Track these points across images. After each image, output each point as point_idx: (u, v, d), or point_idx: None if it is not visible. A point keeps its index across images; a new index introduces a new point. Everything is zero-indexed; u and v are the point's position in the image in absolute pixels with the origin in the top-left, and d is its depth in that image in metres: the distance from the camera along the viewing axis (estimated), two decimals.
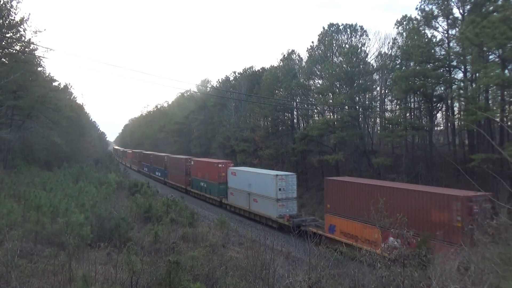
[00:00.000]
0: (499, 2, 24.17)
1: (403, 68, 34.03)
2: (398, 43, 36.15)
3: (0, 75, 28.36)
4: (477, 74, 27.13)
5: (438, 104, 34.71)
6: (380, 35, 64.76)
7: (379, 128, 45.26)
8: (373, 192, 18.55)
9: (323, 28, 44.01)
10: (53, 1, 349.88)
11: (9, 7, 30.58)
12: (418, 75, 30.05)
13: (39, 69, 39.38)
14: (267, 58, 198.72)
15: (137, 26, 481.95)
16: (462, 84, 29.57)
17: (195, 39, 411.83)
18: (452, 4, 30.08)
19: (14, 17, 31.00)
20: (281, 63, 48.93)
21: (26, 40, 31.87)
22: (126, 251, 9.84)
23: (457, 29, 30.06)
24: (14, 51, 32.37)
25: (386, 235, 9.55)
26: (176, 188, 49.46)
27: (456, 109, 34.93)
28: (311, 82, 46.62)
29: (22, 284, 8.85)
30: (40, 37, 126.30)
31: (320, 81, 44.57)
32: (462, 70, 30.18)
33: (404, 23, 34.49)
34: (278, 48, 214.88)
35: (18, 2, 31.19)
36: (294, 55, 48.82)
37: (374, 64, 41.43)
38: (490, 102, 27.07)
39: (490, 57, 25.75)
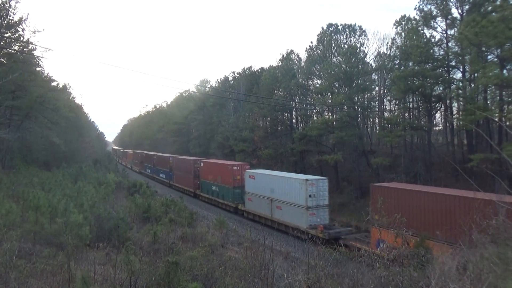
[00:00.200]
0: (498, 2, 24.23)
1: (402, 68, 34.06)
2: (397, 43, 36.17)
3: None
4: (476, 74, 27.18)
5: (437, 104, 34.77)
6: (379, 35, 64.95)
7: (378, 128, 45.32)
8: (448, 203, 15.68)
9: (322, 28, 44.09)
10: (52, 1, 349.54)
11: (7, 7, 30.54)
12: (416, 75, 30.09)
13: (38, 69, 39.38)
14: (266, 58, 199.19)
15: (136, 26, 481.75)
16: (460, 84, 29.61)
17: (194, 39, 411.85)
18: (451, 4, 30.16)
19: (13, 17, 30.99)
20: (280, 63, 48.94)
21: (24, 40, 31.85)
22: (124, 251, 9.83)
23: (455, 29, 30.12)
24: (13, 51, 32.33)
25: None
26: (183, 191, 46.35)
27: (454, 109, 35.00)
28: (310, 82, 46.68)
29: (20, 285, 8.84)
30: (38, 37, 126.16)
31: (319, 81, 44.64)
32: (461, 70, 30.23)
33: (403, 23, 34.52)
34: (277, 48, 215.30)
35: (16, 2, 31.06)
36: (293, 55, 48.86)
37: (373, 64, 41.51)
38: (488, 102, 27.14)
39: (489, 57, 25.79)
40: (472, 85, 28.03)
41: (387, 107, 43.28)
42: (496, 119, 23.93)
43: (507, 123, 26.07)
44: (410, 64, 32.37)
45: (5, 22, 30.71)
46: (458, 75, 31.30)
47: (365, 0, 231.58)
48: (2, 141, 31.97)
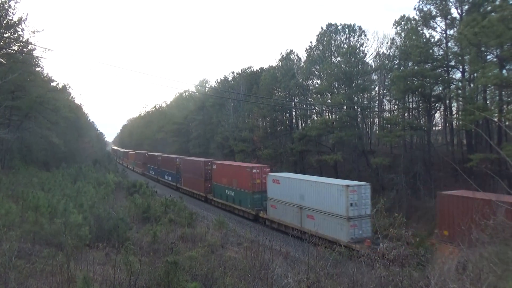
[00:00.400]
0: (497, 2, 24.26)
1: (402, 68, 34.11)
2: (397, 43, 36.22)
3: None
4: (475, 74, 27.22)
5: (436, 104, 34.81)
6: (378, 35, 65.12)
7: (377, 128, 45.38)
8: None
9: (322, 28, 44.14)
10: (51, 1, 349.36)
11: (7, 7, 30.55)
12: (416, 75, 30.12)
13: (37, 69, 39.38)
14: (266, 58, 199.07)
15: (136, 26, 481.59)
16: (460, 84, 29.65)
17: (193, 39, 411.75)
18: (450, 4, 30.20)
19: (12, 17, 30.99)
20: (280, 63, 48.99)
21: (24, 40, 31.83)
22: (123, 251, 9.83)
23: (455, 29, 30.15)
24: (12, 51, 32.33)
25: None
26: (192, 195, 43.25)
27: (454, 109, 35.06)
28: (310, 82, 46.73)
29: (20, 285, 8.83)
30: (38, 37, 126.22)
31: (318, 81, 44.67)
32: (460, 70, 30.26)
33: (402, 23, 34.54)
34: (277, 48, 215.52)
35: (16, 2, 31.16)
36: (293, 55, 48.91)
37: (373, 64, 41.60)
38: (488, 102, 27.17)
39: (488, 57, 25.83)
40: (472, 85, 28.06)
41: (387, 107, 43.37)
42: (496, 119, 23.97)
43: (507, 123, 26.09)
44: (410, 64, 32.42)
45: (5, 22, 30.70)
46: (458, 75, 31.37)
47: (365, 0, 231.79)
48: (2, 141, 31.96)
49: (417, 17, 32.48)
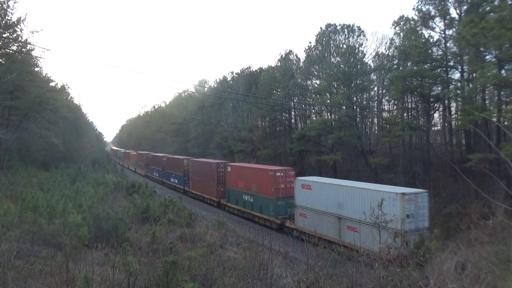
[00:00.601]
0: (496, 3, 24.29)
1: (401, 68, 34.15)
2: (396, 43, 36.28)
3: None
4: (474, 74, 27.24)
5: (435, 104, 34.85)
6: (377, 35, 64.98)
7: (376, 128, 45.43)
8: None
9: (321, 28, 44.17)
10: (50, 1, 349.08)
11: (5, 7, 30.50)
12: (415, 75, 30.17)
13: (36, 69, 39.34)
14: (265, 58, 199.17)
15: (135, 26, 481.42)
16: (459, 84, 29.69)
17: (192, 39, 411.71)
18: (449, 4, 30.20)
19: (11, 17, 30.91)
20: (279, 63, 49.00)
21: (23, 40, 31.77)
22: (121, 252, 9.83)
23: (454, 30, 30.18)
24: (11, 51, 32.26)
25: None
26: (203, 199, 40.21)
27: (453, 109, 35.08)
28: (309, 82, 46.75)
29: (18, 285, 8.82)
30: (37, 37, 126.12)
31: (317, 81, 44.71)
32: (459, 70, 30.30)
33: (401, 23, 34.59)
34: (276, 48, 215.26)
35: (15, 2, 31.05)
36: (292, 55, 48.92)
37: (372, 64, 41.65)
38: (487, 102, 27.19)
39: (487, 57, 25.87)
40: (471, 85, 28.10)
41: (386, 107, 43.41)
42: (494, 119, 23.99)
43: (505, 123, 26.14)
44: (409, 64, 32.46)
45: (3, 22, 30.67)
46: (457, 75, 31.40)
47: (364, 0, 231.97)
48: (1, 142, 31.94)
49: (416, 17, 32.53)
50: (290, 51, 49.34)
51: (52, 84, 42.43)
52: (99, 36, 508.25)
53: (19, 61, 32.48)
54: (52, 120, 37.98)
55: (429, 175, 30.53)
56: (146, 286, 9.73)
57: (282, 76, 45.71)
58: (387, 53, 40.01)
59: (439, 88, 32.75)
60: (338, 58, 39.55)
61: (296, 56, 48.95)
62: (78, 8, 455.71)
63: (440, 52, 31.35)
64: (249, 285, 9.51)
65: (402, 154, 33.99)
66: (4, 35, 31.35)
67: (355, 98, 39.63)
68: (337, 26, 42.36)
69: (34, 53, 33.82)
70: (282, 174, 27.43)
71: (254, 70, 59.08)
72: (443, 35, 31.43)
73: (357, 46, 39.46)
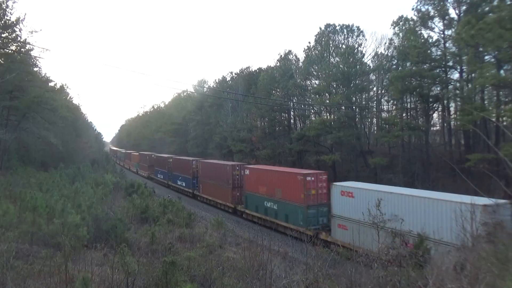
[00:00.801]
0: (495, 3, 24.34)
1: (400, 68, 34.22)
2: (395, 43, 36.37)
3: None
4: (473, 75, 27.31)
5: (434, 104, 34.91)
6: (376, 36, 65.53)
7: (375, 128, 45.49)
8: None
9: (320, 28, 44.22)
10: (49, 1, 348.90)
11: (4, 7, 30.49)
12: (414, 76, 30.21)
13: (35, 69, 39.37)
14: (264, 59, 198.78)
15: (134, 26, 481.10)
16: (458, 84, 29.75)
17: (191, 39, 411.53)
18: (448, 4, 30.29)
19: (10, 17, 30.94)
20: (278, 64, 49.08)
21: (22, 40, 31.78)
22: (120, 252, 9.82)
23: (453, 30, 30.23)
24: (10, 51, 32.25)
25: None
26: (216, 205, 36.89)
27: (452, 109, 35.18)
28: (308, 82, 46.79)
29: (17, 286, 8.81)
30: (36, 37, 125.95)
31: (317, 82, 44.74)
32: (458, 70, 30.36)
33: (401, 23, 34.67)
34: (275, 49, 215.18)
35: (14, 2, 31.06)
36: (291, 56, 49.02)
37: (371, 65, 41.67)
38: (486, 102, 27.25)
39: (486, 57, 25.92)
40: (470, 85, 28.15)
41: (385, 107, 43.46)
42: (493, 119, 24.04)
43: (504, 123, 26.20)
44: (408, 64, 32.52)
45: (2, 22, 30.66)
46: (456, 75, 31.48)
47: (364, 0, 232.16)
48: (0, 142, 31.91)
49: (415, 18, 32.61)
50: (289, 51, 49.53)
51: (51, 84, 42.52)
52: (98, 36, 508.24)
53: (18, 61, 32.49)
54: (51, 120, 37.97)
55: (428, 175, 30.57)
56: (145, 287, 9.72)
57: (281, 76, 45.75)
58: (386, 53, 40.10)
59: (438, 88, 32.81)
60: (337, 58, 39.59)
61: (295, 56, 49.09)
62: (77, 8, 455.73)
63: (439, 52, 31.41)
64: (248, 285, 9.52)
65: (401, 154, 34.04)
66: (3, 35, 31.35)
67: (354, 98, 39.67)
68: (336, 26, 42.42)
69: (33, 53, 33.86)
70: (313, 178, 24.40)
71: (253, 70, 59.25)
72: (442, 35, 31.51)
73: (356, 46, 39.55)
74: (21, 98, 33.69)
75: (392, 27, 35.90)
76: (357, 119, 39.85)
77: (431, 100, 33.24)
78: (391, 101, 40.86)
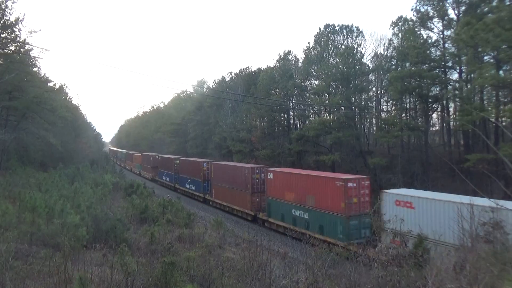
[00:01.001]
0: (494, 3, 24.37)
1: (399, 68, 34.23)
2: (394, 44, 36.37)
3: None
4: (472, 75, 27.34)
5: (434, 105, 34.94)
6: (376, 36, 65.31)
7: (375, 128, 45.48)
8: None
9: (319, 29, 44.26)
10: (49, 1, 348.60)
11: (4, 7, 30.46)
12: (413, 76, 30.23)
13: (34, 69, 39.30)
14: (264, 59, 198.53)
15: (133, 26, 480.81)
16: (457, 85, 29.78)
17: (191, 40, 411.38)
18: (447, 5, 30.31)
19: (9, 17, 30.87)
20: (277, 64, 49.07)
21: (21, 40, 31.73)
22: (120, 252, 9.82)
23: (452, 30, 30.27)
24: (9, 51, 32.21)
25: None
26: (231, 211, 33.49)
27: (451, 109, 35.20)
28: (307, 82, 46.80)
29: (17, 286, 8.81)
30: (35, 38, 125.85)
31: (316, 82, 44.74)
32: (458, 70, 30.39)
33: (400, 24, 34.69)
34: (275, 49, 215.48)
35: (13, 2, 30.98)
36: (291, 56, 49.00)
37: (370, 65, 41.68)
38: (485, 102, 27.30)
39: (485, 58, 25.96)
40: (469, 86, 28.18)
41: (384, 108, 43.47)
42: (493, 119, 24.07)
43: (503, 123, 26.24)
44: (407, 64, 32.55)
45: (2, 22, 30.62)
46: (455, 75, 31.51)
47: (363, 0, 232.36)
48: None
49: (414, 18, 32.65)
50: (289, 51, 49.50)
51: (51, 84, 42.50)
52: (98, 36, 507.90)
53: (17, 61, 32.46)
54: (50, 121, 37.93)
55: (428, 176, 30.58)
56: (144, 287, 9.72)
57: (280, 76, 45.76)
58: (385, 53, 40.11)
59: (438, 89, 32.85)
60: (336, 59, 39.59)
61: (295, 57, 49.08)
62: (76, 8, 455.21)
63: (438, 53, 31.45)
64: (248, 285, 9.51)
65: (400, 154, 34.04)
66: (2, 35, 31.31)
67: (353, 99, 39.67)
68: (335, 27, 42.44)
69: (32, 53, 33.80)
70: (355, 184, 21.02)
71: (252, 70, 59.22)
72: (442, 35, 31.54)
73: (356, 46, 39.56)
74: (20, 98, 33.66)
75: (392, 27, 35.97)
76: (356, 119, 39.85)
77: (430, 100, 33.26)
78: (391, 101, 40.87)
